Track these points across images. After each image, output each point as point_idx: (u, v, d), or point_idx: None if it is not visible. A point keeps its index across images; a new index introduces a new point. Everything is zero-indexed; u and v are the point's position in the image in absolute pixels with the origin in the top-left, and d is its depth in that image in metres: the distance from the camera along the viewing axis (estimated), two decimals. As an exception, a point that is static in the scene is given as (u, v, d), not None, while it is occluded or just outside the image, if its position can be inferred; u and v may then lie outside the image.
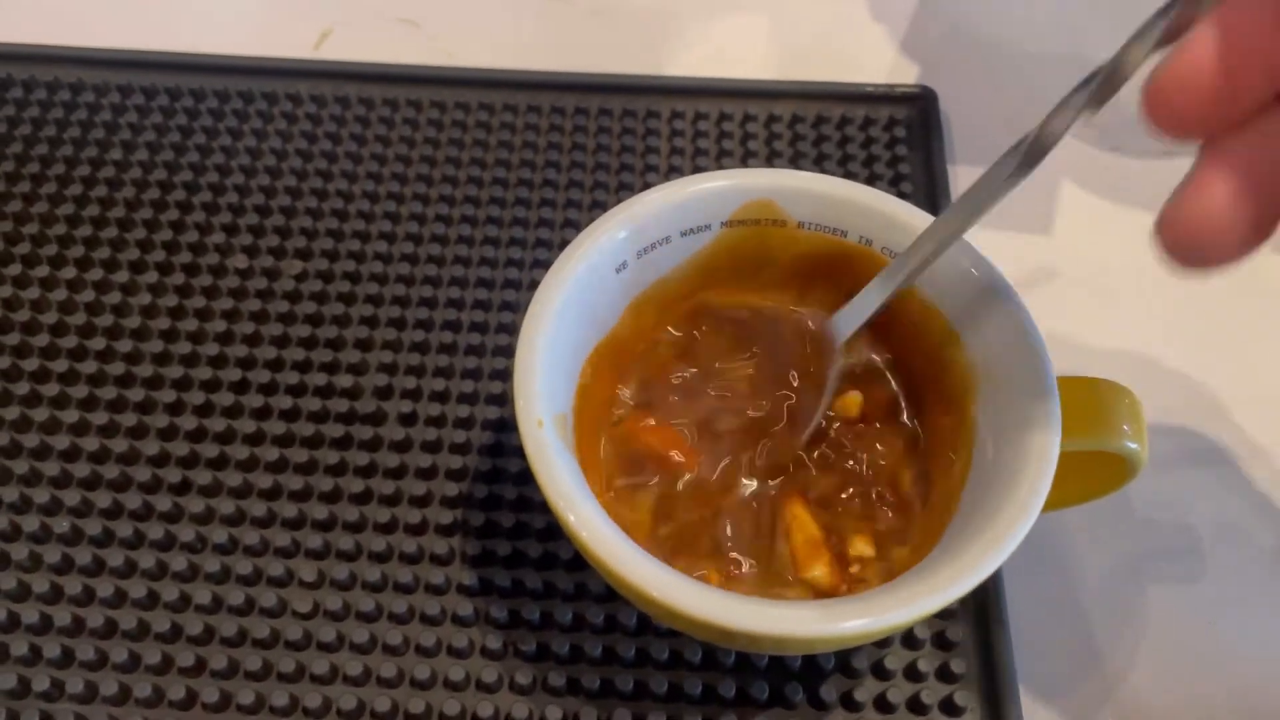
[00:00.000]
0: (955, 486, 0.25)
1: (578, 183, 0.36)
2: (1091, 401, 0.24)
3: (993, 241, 0.36)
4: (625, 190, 0.36)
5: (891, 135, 0.37)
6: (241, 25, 0.41)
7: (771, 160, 0.37)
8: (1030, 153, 0.21)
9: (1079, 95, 0.20)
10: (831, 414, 0.27)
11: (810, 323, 0.28)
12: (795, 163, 0.37)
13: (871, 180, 0.36)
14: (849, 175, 0.36)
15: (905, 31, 0.42)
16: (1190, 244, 0.17)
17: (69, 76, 0.38)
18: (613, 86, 0.39)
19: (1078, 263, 0.36)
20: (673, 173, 0.36)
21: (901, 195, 0.36)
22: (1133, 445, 0.24)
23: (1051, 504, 0.26)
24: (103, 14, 0.41)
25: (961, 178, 0.37)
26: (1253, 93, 0.17)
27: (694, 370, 0.28)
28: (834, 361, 0.26)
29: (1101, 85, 0.19)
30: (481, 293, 0.33)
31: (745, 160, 0.37)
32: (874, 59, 0.41)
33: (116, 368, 0.31)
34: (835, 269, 0.27)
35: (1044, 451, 0.22)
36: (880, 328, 0.27)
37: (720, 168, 0.36)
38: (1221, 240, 0.17)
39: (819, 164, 0.37)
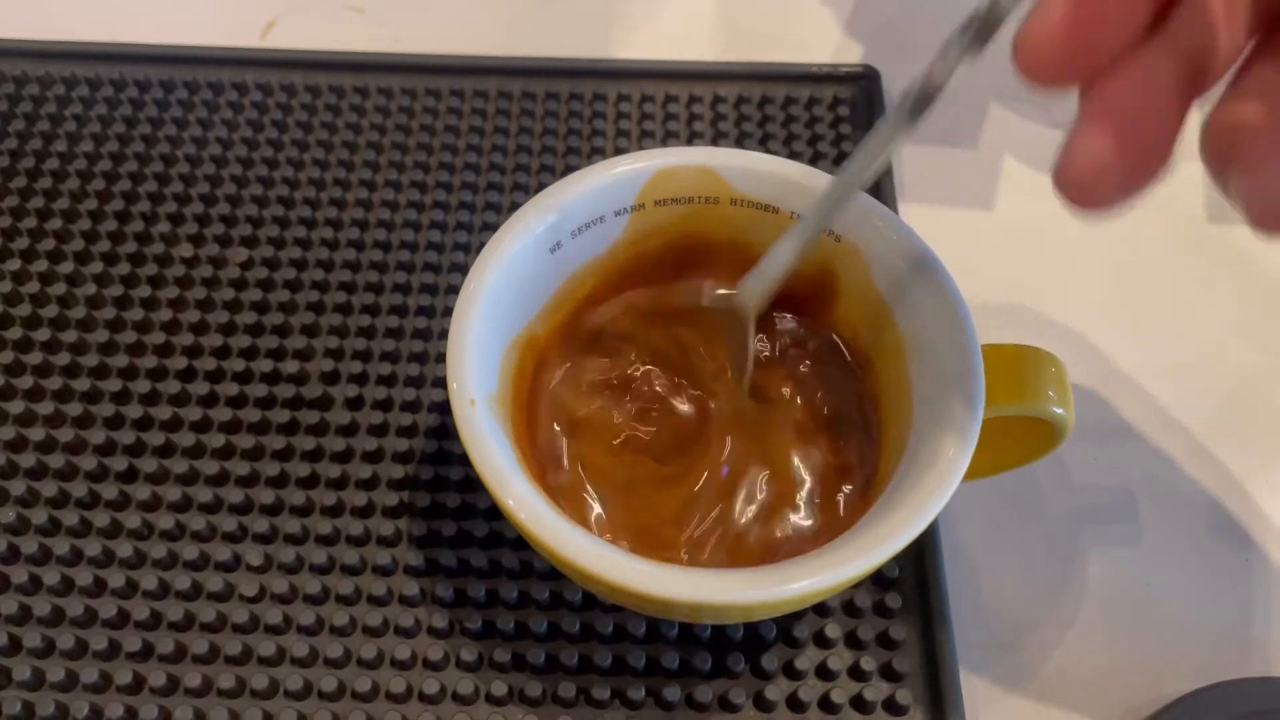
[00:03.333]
0: (896, 450, 0.25)
1: (524, 166, 0.36)
2: (1017, 367, 0.25)
3: (937, 216, 0.37)
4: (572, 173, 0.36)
5: (835, 115, 0.38)
6: (187, 15, 0.41)
7: (717, 141, 0.37)
8: (917, 101, 0.21)
9: (960, 40, 0.20)
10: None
11: (720, 304, 0.28)
12: (740, 143, 0.37)
13: (815, 159, 0.37)
14: (793, 155, 0.37)
15: (849, 12, 0.42)
16: (1077, 192, 0.18)
17: (13, 69, 0.38)
18: (559, 70, 0.39)
19: (1020, 236, 0.36)
20: (618, 155, 0.36)
21: (844, 173, 0.36)
22: (1058, 410, 0.24)
23: (983, 469, 0.27)
24: (45, 7, 0.41)
25: (905, 157, 0.38)
26: (1110, 40, 0.17)
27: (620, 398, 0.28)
28: (748, 331, 0.26)
29: (979, 28, 0.20)
30: (428, 277, 0.33)
31: (690, 141, 0.37)
32: (819, 39, 0.42)
33: (63, 357, 0.31)
34: (766, 247, 0.27)
35: (967, 416, 0.23)
36: (823, 296, 0.28)
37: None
38: (1101, 186, 0.18)
39: (764, 144, 0.37)
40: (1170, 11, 0.18)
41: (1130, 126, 0.18)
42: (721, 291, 0.29)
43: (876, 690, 0.27)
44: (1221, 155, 0.18)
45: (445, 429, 0.30)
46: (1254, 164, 0.17)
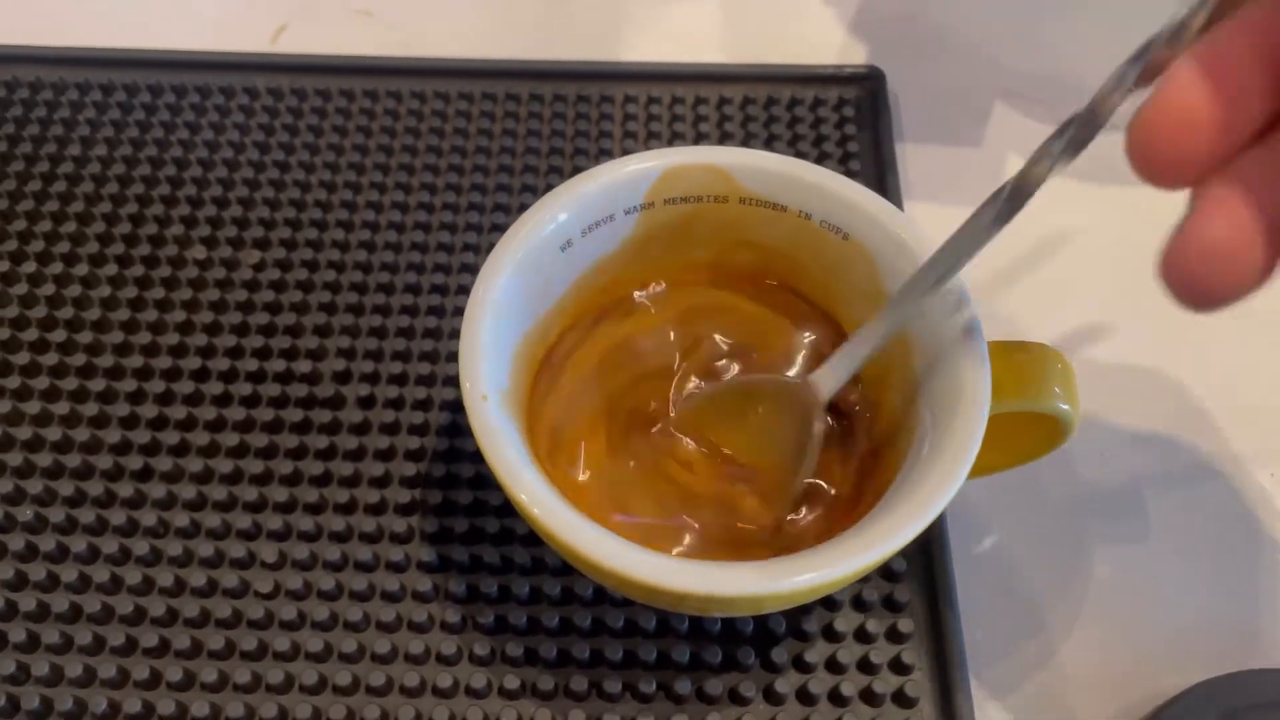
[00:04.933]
0: (902, 446, 0.26)
1: (532, 168, 0.37)
2: (1023, 364, 0.25)
3: (942, 214, 0.37)
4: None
5: (840, 115, 0.38)
6: (198, 21, 0.42)
7: (723, 142, 0.38)
8: (1010, 201, 0.21)
9: (1056, 142, 0.20)
10: None
11: (788, 385, 0.27)
12: (746, 144, 0.37)
13: (821, 160, 0.37)
14: (799, 155, 0.37)
15: (854, 13, 0.43)
16: (1196, 280, 0.17)
17: (27, 75, 0.38)
18: (566, 73, 0.39)
19: (1023, 235, 0.36)
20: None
21: (850, 174, 0.36)
22: (1064, 406, 0.24)
23: (990, 466, 0.27)
24: (58, 12, 0.42)
25: (910, 157, 0.38)
26: (1239, 129, 0.16)
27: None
28: (817, 423, 0.26)
29: (1077, 133, 0.19)
30: (438, 277, 0.34)
31: (697, 143, 0.37)
32: (824, 41, 0.42)
33: (78, 359, 0.32)
34: (775, 246, 0.28)
35: (974, 412, 0.23)
36: (830, 297, 0.28)
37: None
38: (1230, 275, 0.16)
39: (769, 145, 0.37)
40: None
41: (1268, 210, 0.16)
42: (787, 378, 0.28)
43: (885, 683, 0.27)
44: None
45: (457, 426, 0.31)
46: None
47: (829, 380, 0.26)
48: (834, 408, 0.28)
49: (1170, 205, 0.18)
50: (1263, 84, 0.16)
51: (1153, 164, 0.17)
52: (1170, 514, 0.31)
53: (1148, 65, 0.18)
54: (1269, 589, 0.30)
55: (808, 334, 0.29)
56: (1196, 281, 0.17)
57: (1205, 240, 0.16)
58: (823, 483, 0.27)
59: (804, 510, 0.27)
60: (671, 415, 0.28)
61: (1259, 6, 0.16)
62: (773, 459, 0.27)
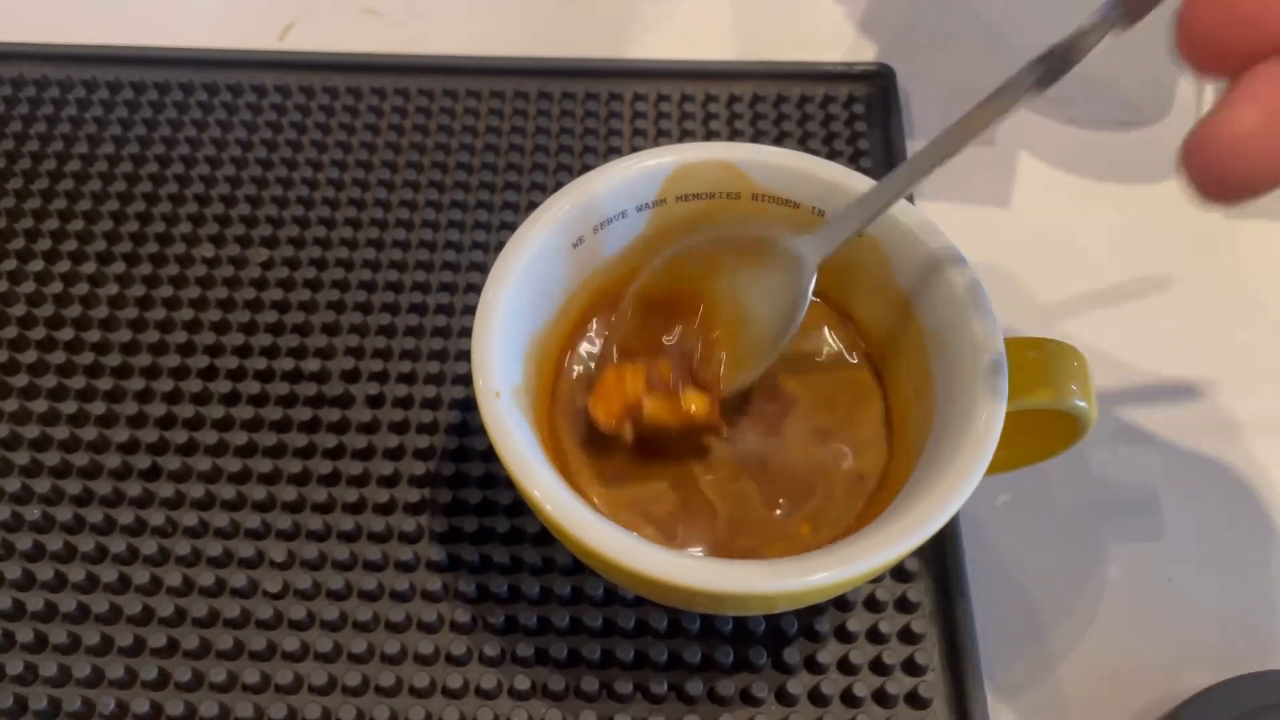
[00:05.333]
0: (918, 444, 0.26)
1: (541, 166, 0.36)
2: (1040, 361, 0.25)
3: (954, 213, 0.37)
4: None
5: (850, 113, 0.38)
6: (206, 19, 0.42)
7: (733, 140, 0.37)
8: (1053, 66, 0.20)
9: (1030, 73, 0.20)
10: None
11: (779, 242, 0.26)
12: (756, 141, 0.37)
13: (831, 158, 0.36)
14: (809, 153, 0.37)
15: (864, 10, 0.43)
16: (1218, 170, 0.16)
17: (34, 73, 0.38)
18: (575, 71, 0.39)
19: (1035, 233, 0.36)
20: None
21: (860, 172, 0.36)
22: (1081, 403, 0.24)
23: (1006, 463, 0.27)
24: (67, 10, 0.41)
25: (921, 153, 0.38)
26: None
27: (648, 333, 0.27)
28: (808, 281, 0.25)
29: (1052, 66, 0.19)
30: (447, 275, 0.34)
31: (707, 140, 0.37)
32: (833, 38, 0.42)
33: (86, 357, 0.31)
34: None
35: (990, 410, 0.23)
36: (842, 291, 0.28)
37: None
38: (1252, 165, 0.16)
39: (779, 142, 0.37)
40: None
41: None
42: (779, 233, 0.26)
43: (898, 684, 0.27)
44: None
45: (466, 425, 0.30)
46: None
47: (821, 244, 0.25)
48: (852, 398, 0.28)
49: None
50: None
51: (1193, 49, 0.16)
52: (1185, 513, 0.31)
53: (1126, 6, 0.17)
54: (1286, 589, 0.30)
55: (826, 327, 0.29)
56: (1218, 170, 0.16)
57: (1233, 125, 0.16)
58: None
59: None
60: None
61: None
62: (758, 315, 0.26)
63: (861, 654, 0.27)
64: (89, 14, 0.41)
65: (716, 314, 0.27)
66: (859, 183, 0.27)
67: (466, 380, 0.31)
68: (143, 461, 0.30)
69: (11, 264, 0.33)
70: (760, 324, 0.26)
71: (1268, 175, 0.16)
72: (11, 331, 0.32)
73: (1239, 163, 0.16)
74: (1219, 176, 0.16)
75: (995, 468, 0.24)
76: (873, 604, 0.28)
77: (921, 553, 0.29)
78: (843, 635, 0.27)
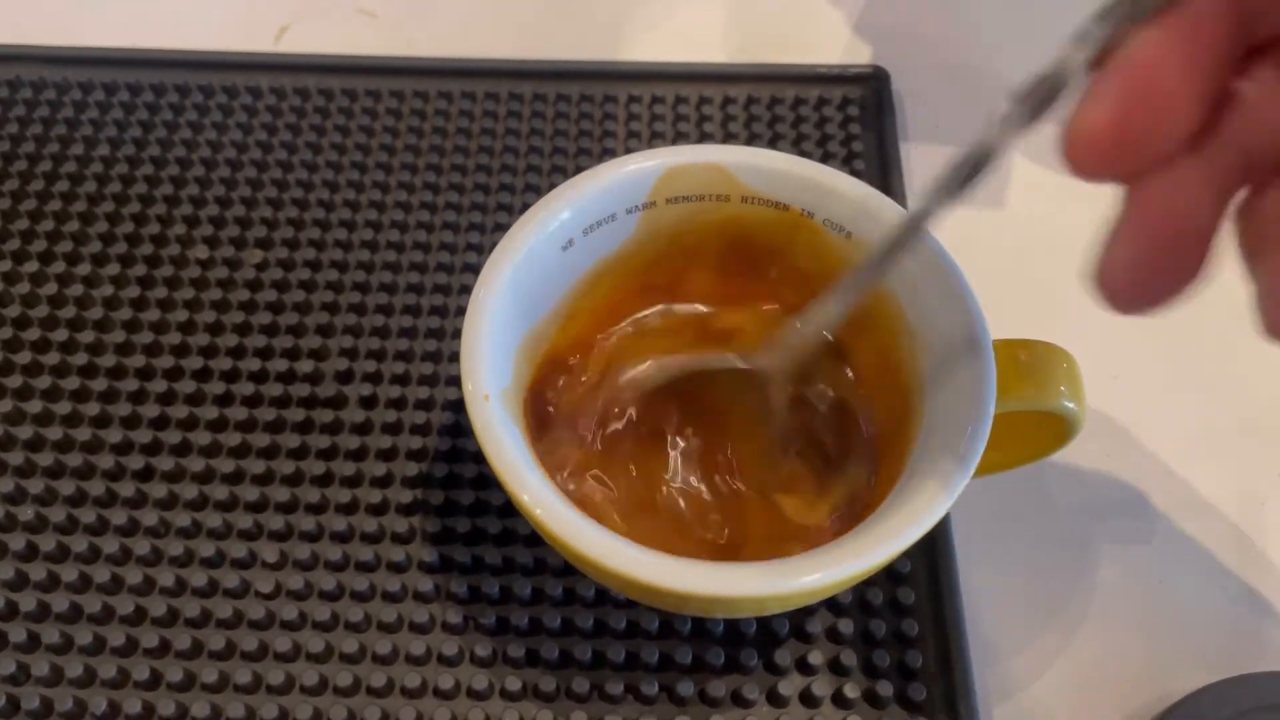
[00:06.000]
0: (906, 445, 0.26)
1: (535, 168, 0.36)
2: (1029, 362, 0.25)
3: (947, 214, 0.37)
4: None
5: (845, 115, 0.38)
6: (202, 21, 0.42)
7: (727, 142, 0.37)
8: (970, 169, 0.21)
9: (1015, 110, 0.19)
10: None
11: (745, 365, 0.27)
12: (750, 143, 0.37)
13: (825, 160, 0.37)
14: (803, 155, 0.37)
15: (859, 13, 0.43)
16: (1110, 298, 0.18)
17: (30, 75, 0.38)
18: (570, 73, 0.39)
19: (1027, 234, 0.36)
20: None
21: (854, 174, 0.36)
22: (1070, 405, 0.24)
23: (997, 465, 0.27)
24: (64, 12, 0.42)
25: (914, 156, 0.38)
26: (1160, 140, 0.17)
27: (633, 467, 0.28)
28: (775, 395, 0.26)
29: (1040, 97, 0.19)
30: (440, 277, 0.34)
31: (701, 143, 0.37)
32: (828, 40, 0.42)
33: (79, 358, 0.31)
34: (775, 245, 0.28)
35: (979, 411, 0.23)
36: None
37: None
38: (1135, 298, 0.18)
39: (773, 144, 0.37)
40: (1226, 105, 0.17)
41: (1170, 238, 0.17)
42: (740, 358, 0.28)
43: (890, 686, 0.27)
44: (1254, 247, 0.17)
45: (459, 427, 0.31)
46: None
47: (776, 356, 0.26)
48: (838, 409, 0.28)
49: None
50: (1191, 87, 0.16)
51: (1071, 165, 0.17)
52: (1177, 514, 0.31)
53: (1111, 33, 0.17)
54: (1277, 591, 0.30)
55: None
56: (1113, 300, 0.18)
57: (1114, 256, 0.18)
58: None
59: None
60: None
61: (1189, 8, 0.16)
62: (746, 436, 0.27)
63: (853, 656, 0.27)
64: (85, 16, 0.41)
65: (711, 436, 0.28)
66: (848, 185, 0.27)
67: (459, 381, 0.31)
68: (136, 462, 0.30)
69: (6, 265, 0.33)
70: (754, 438, 0.27)
71: (1154, 303, 0.18)
72: (6, 332, 0.32)
73: (1128, 294, 0.18)
74: (1116, 303, 0.18)
75: (985, 469, 0.24)
76: (864, 606, 0.28)
77: (913, 554, 0.29)
78: (834, 637, 0.28)
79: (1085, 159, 0.17)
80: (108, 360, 0.32)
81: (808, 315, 0.24)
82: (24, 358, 0.31)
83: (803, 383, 0.28)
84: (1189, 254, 0.17)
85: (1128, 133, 0.16)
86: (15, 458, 0.30)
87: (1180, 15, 0.16)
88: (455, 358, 0.32)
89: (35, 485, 0.29)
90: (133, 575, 0.28)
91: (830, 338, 0.29)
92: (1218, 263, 0.18)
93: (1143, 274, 0.17)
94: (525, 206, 0.35)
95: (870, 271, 0.23)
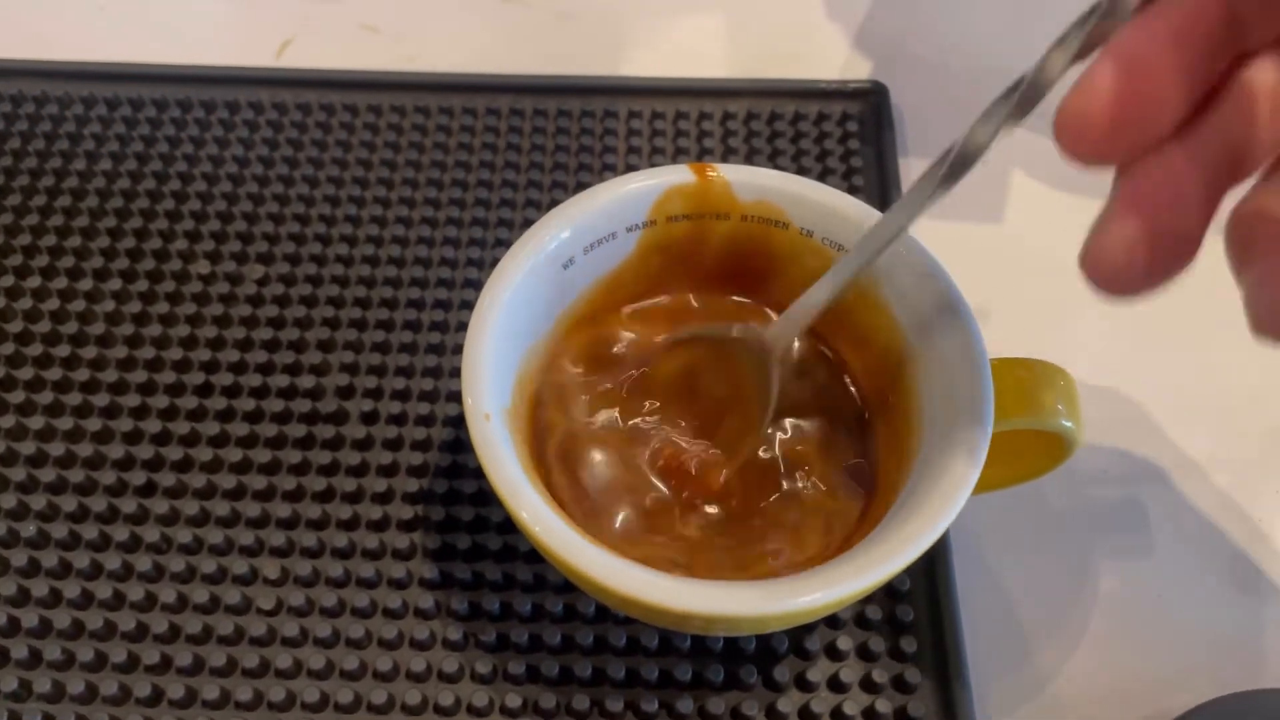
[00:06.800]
0: (904, 464, 0.26)
1: (536, 183, 0.37)
2: (1026, 381, 0.25)
3: (944, 230, 0.37)
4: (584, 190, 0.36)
5: (844, 130, 0.38)
6: (204, 36, 0.42)
7: (727, 157, 0.38)
8: (955, 165, 0.21)
9: (1001, 106, 0.20)
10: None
11: (748, 336, 0.27)
12: (750, 159, 0.38)
13: (824, 175, 0.37)
14: (802, 170, 0.37)
15: (858, 28, 0.43)
16: (1104, 278, 0.18)
17: (33, 90, 0.38)
18: (571, 88, 0.39)
19: (1025, 251, 0.36)
20: (629, 172, 0.37)
21: (853, 190, 0.36)
22: (1067, 423, 0.24)
23: (994, 482, 0.27)
24: (65, 27, 0.42)
25: (913, 171, 0.38)
26: (1152, 123, 0.17)
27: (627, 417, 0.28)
28: (773, 373, 0.26)
29: (1023, 97, 0.20)
30: (441, 292, 0.34)
31: (700, 158, 0.37)
32: (828, 56, 0.42)
33: (82, 374, 0.32)
34: (775, 263, 0.28)
35: (977, 429, 0.23)
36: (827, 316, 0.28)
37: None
38: (1129, 275, 0.18)
39: (773, 160, 0.37)
40: (1214, 100, 0.18)
41: (1162, 218, 0.18)
42: (747, 326, 0.28)
43: (888, 702, 0.27)
44: (1242, 245, 0.18)
45: (459, 443, 0.31)
46: (1270, 254, 0.17)
47: (782, 334, 0.26)
48: (834, 417, 0.28)
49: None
50: (1180, 76, 0.17)
51: (1066, 147, 0.17)
52: (1175, 531, 0.31)
53: (1090, 34, 0.18)
54: (1277, 607, 0.30)
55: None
56: (1102, 283, 0.19)
57: (1112, 239, 0.18)
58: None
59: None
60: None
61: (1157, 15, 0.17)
62: (736, 406, 0.27)
63: (851, 672, 0.27)
64: (88, 31, 0.42)
65: (700, 405, 0.28)
66: (847, 204, 0.27)
67: (460, 397, 0.31)
68: (138, 478, 0.30)
69: (9, 280, 0.34)
70: (744, 410, 0.27)
71: (1144, 286, 0.18)
72: (9, 347, 0.32)
73: (1117, 277, 0.18)
74: (1104, 285, 0.19)
75: (983, 486, 0.24)
76: (863, 622, 0.28)
77: (911, 571, 0.29)
78: (833, 653, 0.28)
79: (1079, 140, 0.17)
80: (110, 375, 0.32)
81: (809, 292, 0.25)
82: (27, 373, 0.32)
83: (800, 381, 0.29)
84: (1179, 231, 0.18)
85: (1120, 112, 0.17)
86: (18, 473, 0.30)
87: (1168, 5, 0.17)
88: (456, 373, 0.32)
89: (38, 501, 0.29)
90: (134, 591, 0.28)
91: (831, 354, 0.29)
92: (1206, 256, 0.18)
93: (1135, 253, 0.18)
94: (526, 222, 0.35)
95: (857, 260, 0.24)
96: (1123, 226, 0.18)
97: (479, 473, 0.30)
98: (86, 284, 0.34)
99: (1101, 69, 0.17)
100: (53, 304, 0.33)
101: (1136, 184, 0.18)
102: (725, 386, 0.28)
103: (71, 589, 0.28)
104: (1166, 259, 0.18)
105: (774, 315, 0.30)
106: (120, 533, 0.29)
